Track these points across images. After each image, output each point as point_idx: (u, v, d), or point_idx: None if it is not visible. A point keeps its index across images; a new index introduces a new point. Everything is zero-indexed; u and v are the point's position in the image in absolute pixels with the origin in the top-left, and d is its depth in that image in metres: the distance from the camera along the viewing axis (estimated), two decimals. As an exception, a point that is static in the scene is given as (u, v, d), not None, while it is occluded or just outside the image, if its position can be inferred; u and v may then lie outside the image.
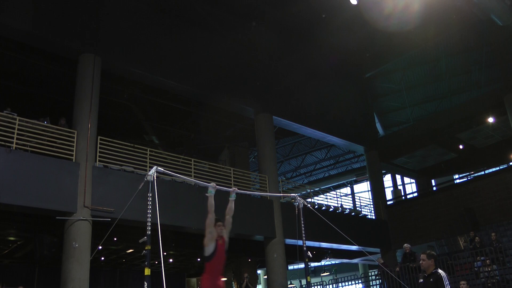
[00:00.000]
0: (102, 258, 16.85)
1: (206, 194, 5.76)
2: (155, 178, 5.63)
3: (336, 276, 19.44)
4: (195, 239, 15.69)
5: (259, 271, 26.14)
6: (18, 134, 9.93)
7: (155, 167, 5.76)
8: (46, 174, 10.04)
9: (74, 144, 10.73)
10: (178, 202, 11.97)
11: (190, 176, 12.14)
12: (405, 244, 15.25)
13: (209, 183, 6.04)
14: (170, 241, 15.00)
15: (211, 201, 5.70)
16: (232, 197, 6.17)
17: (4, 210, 10.29)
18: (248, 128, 17.65)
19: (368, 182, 22.36)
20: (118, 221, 7.86)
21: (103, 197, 10.74)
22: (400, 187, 27.99)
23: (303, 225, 7.34)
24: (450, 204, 17.78)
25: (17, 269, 16.50)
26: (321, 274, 23.07)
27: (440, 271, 5.53)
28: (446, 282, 5.36)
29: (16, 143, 9.84)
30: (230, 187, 6.42)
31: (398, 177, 27.81)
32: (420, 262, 5.78)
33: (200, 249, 16.18)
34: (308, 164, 29.92)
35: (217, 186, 5.91)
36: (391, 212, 19.76)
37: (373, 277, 17.55)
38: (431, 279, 5.49)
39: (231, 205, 6.09)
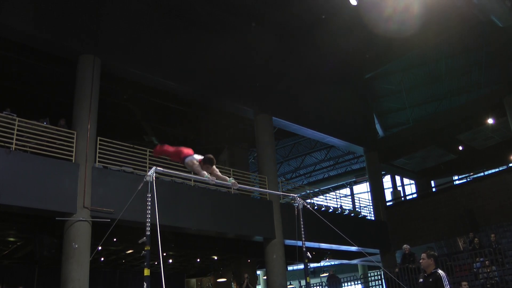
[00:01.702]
0: (102, 259, 16.81)
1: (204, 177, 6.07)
2: (154, 178, 5.64)
3: (335, 277, 19.44)
4: (195, 239, 15.72)
5: (258, 272, 26.13)
6: (17, 134, 9.93)
7: (154, 167, 5.77)
8: (45, 175, 10.04)
9: (74, 145, 10.73)
10: (177, 203, 11.97)
11: (189, 177, 12.13)
12: (405, 245, 15.25)
13: (208, 183, 6.12)
14: (170, 242, 14.99)
15: (201, 176, 6.06)
16: (229, 181, 6.42)
17: (4, 211, 10.28)
18: (248, 129, 17.66)
19: (368, 183, 22.39)
20: (118, 222, 7.85)
21: (103, 198, 10.74)
22: (400, 188, 28.02)
23: (302, 226, 7.34)
24: (449, 205, 17.79)
25: (17, 269, 16.47)
26: (321, 275, 23.07)
27: (440, 271, 5.53)
28: (446, 282, 5.34)
29: (16, 144, 9.85)
30: (230, 188, 6.50)
31: (397, 178, 27.84)
32: (420, 261, 5.80)
33: (199, 249, 16.02)
34: (307, 165, 29.93)
35: (215, 180, 6.11)
36: (391, 213, 19.77)
37: (372, 278, 17.59)
38: (431, 279, 5.49)
39: (223, 180, 6.39)
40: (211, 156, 6.20)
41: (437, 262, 5.64)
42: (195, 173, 6.27)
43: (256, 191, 14.68)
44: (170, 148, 6.36)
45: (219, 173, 6.31)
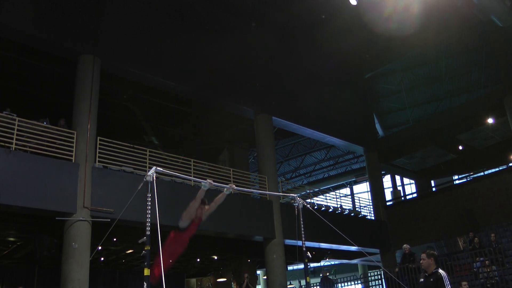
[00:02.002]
0: (102, 259, 16.81)
1: (201, 187, 5.95)
2: (154, 178, 5.63)
3: (335, 277, 19.46)
4: (195, 239, 15.63)
5: (258, 272, 26.13)
6: (17, 134, 9.93)
7: (154, 167, 5.76)
8: (45, 175, 10.04)
9: (74, 145, 10.73)
10: (177, 203, 11.91)
11: (189, 178, 12.13)
12: (405, 245, 15.25)
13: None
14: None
15: (202, 193, 5.98)
16: (226, 191, 6.27)
17: (4, 210, 10.28)
18: (248, 129, 17.66)
19: (368, 183, 22.38)
20: (118, 222, 7.84)
21: (103, 198, 10.74)
22: (400, 188, 28.01)
23: (302, 226, 7.33)
24: (449, 205, 17.78)
25: (16, 269, 16.47)
26: (321, 275, 23.05)
27: (440, 271, 5.51)
28: (447, 282, 5.33)
29: (16, 144, 9.84)
30: (230, 192, 6.47)
31: (397, 177, 27.83)
32: (420, 261, 5.79)
33: (199, 249, 16.02)
34: (307, 164, 29.92)
35: (213, 183, 5.97)
36: (391, 213, 19.76)
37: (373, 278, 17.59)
38: (431, 279, 5.48)
39: (223, 197, 6.29)
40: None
41: (437, 262, 5.63)
42: (195, 211, 6.19)
43: (256, 192, 14.66)
44: (163, 252, 5.45)
45: (213, 204, 6.27)
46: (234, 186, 6.39)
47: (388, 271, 15.10)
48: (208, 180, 5.95)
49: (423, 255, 5.65)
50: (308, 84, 17.92)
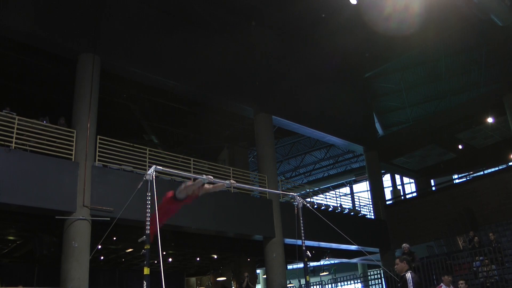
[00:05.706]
0: (102, 258, 16.82)
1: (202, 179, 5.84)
2: (154, 177, 5.63)
3: (335, 276, 19.51)
4: (195, 238, 15.72)
5: (258, 271, 26.13)
6: (17, 133, 9.93)
7: (154, 166, 5.75)
8: (45, 174, 10.04)
9: (74, 144, 10.73)
10: (177, 202, 11.95)
11: (189, 177, 12.11)
12: (404, 244, 15.21)
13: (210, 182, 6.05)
14: (169, 241, 14.99)
15: (198, 184, 5.82)
16: (227, 184, 6.26)
17: (4, 209, 10.29)
18: (248, 128, 17.66)
19: (368, 182, 22.39)
20: (118, 221, 7.85)
21: (103, 197, 10.74)
22: (400, 187, 28.01)
23: (302, 225, 7.34)
24: (449, 204, 17.79)
25: (16, 268, 16.46)
26: (320, 274, 23.10)
27: (408, 274, 5.62)
28: (410, 283, 5.45)
29: (16, 143, 9.84)
30: (230, 187, 6.46)
31: (397, 177, 27.84)
32: (395, 266, 5.91)
33: (199, 248, 16.01)
34: (307, 164, 29.93)
35: (213, 179, 5.93)
36: (390, 212, 19.77)
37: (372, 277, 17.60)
38: (400, 283, 5.61)
39: (222, 187, 6.24)
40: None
41: (410, 265, 5.73)
42: (192, 191, 5.89)
43: (256, 190, 14.70)
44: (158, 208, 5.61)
45: (212, 188, 6.13)
46: (234, 181, 6.33)
47: (387, 270, 15.09)
48: (208, 176, 5.90)
49: (397, 260, 5.81)
50: (308, 83, 17.92)
